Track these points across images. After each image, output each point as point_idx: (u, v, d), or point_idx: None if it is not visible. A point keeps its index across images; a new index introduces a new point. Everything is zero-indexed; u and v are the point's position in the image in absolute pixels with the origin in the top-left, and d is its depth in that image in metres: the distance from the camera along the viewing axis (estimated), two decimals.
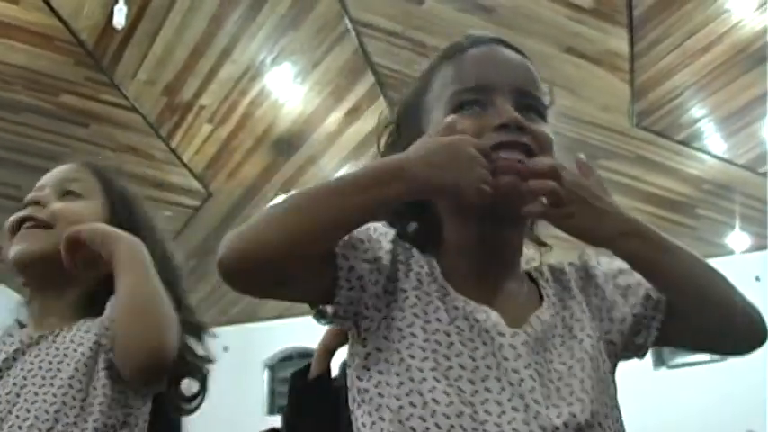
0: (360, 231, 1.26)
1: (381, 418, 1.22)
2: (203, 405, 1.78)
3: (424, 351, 1.22)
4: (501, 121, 1.28)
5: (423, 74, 1.45)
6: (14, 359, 1.65)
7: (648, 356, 1.44)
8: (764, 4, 6.95)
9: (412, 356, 1.22)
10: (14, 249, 1.74)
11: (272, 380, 12.27)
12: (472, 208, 1.26)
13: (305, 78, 7.87)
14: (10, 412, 1.54)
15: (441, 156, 1.21)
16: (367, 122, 8.43)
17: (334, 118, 8.34)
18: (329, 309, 1.24)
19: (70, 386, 1.56)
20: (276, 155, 8.75)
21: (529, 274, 1.41)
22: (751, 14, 7.06)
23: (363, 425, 1.24)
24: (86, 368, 1.59)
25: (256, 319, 11.87)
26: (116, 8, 6.33)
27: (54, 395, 1.55)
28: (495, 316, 1.26)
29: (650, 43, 7.40)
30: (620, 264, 1.37)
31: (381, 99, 8.14)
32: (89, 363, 1.60)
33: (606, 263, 1.41)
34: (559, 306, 1.35)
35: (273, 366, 12.19)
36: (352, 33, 7.40)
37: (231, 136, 8.54)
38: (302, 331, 10.20)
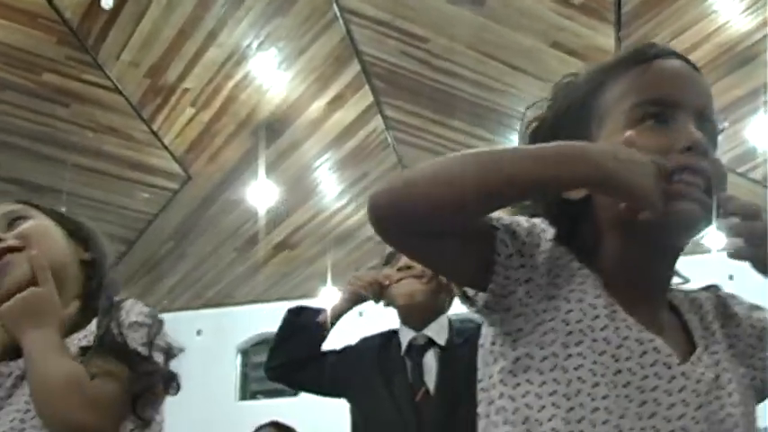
0: (521, 221, 1.20)
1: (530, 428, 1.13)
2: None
3: (594, 375, 1.13)
4: (687, 144, 1.19)
5: (594, 73, 1.33)
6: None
7: None
8: (752, 6, 6.97)
9: (582, 380, 1.13)
10: None
11: (245, 364, 12.24)
12: (644, 225, 1.17)
13: (290, 64, 7.82)
14: None
15: (629, 156, 1.13)
16: (350, 111, 8.41)
17: (318, 105, 8.29)
18: (480, 297, 1.19)
19: None
20: (258, 140, 8.69)
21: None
22: (737, 16, 7.09)
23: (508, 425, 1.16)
24: None
25: (231, 304, 11.81)
26: None
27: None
28: (665, 347, 1.17)
29: (637, 40, 7.39)
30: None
31: (366, 88, 8.12)
32: None
33: (738, 298, 1.33)
34: (703, 345, 1.25)
35: (246, 351, 12.16)
36: (340, 21, 7.36)
37: (213, 120, 8.48)
38: (276, 316, 10.20)
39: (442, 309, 3.00)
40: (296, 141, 8.79)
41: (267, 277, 11.06)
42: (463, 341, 2.93)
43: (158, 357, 1.70)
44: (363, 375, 3.03)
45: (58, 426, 1.58)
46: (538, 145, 1.19)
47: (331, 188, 9.64)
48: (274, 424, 5.19)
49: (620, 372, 1.14)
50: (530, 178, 1.12)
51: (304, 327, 3.12)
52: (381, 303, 3.09)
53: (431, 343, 2.97)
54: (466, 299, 1.21)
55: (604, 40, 7.36)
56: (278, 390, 11.96)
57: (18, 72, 7.71)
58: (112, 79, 7.85)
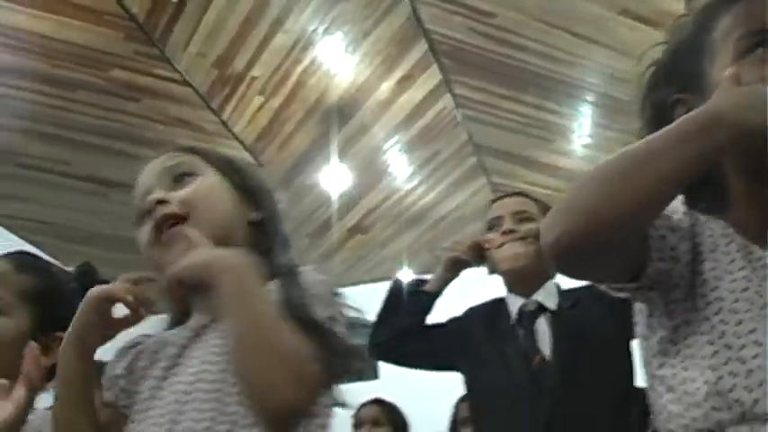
0: None
1: (689, 393, 1.14)
2: None
3: (736, 314, 1.14)
4: None
5: (704, 9, 1.38)
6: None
7: None
8: None
9: (725, 322, 1.14)
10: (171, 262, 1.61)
11: None
12: None
13: (357, 47, 7.78)
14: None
15: (755, 99, 1.11)
16: (419, 90, 8.36)
17: (386, 86, 8.25)
18: (630, 284, 1.17)
19: None
20: (327, 125, 8.68)
21: None
22: None
23: (670, 392, 1.17)
24: None
25: None
26: None
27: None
28: None
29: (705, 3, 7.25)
30: None
31: (434, 66, 8.05)
32: None
33: None
34: None
35: None
36: (406, 0, 7.30)
37: (282, 107, 8.47)
38: (352, 301, 10.19)
39: (549, 272, 2.95)
40: (365, 124, 8.76)
41: (341, 262, 11.06)
42: (572, 304, 2.90)
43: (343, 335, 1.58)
44: (474, 346, 3.01)
45: (261, 399, 1.36)
46: (661, 132, 1.19)
47: (402, 169, 9.60)
48: (377, 401, 5.18)
49: (766, 305, 1.13)
50: (678, 167, 1.13)
51: (409, 298, 3.09)
52: (485, 270, 3.05)
53: (541, 309, 2.93)
54: (615, 288, 1.21)
55: (675, 4, 7.21)
56: (357, 374, 11.99)
57: (87, 70, 7.76)
58: (181, 72, 7.87)
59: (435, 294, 3.15)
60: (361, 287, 11.42)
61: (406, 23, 7.56)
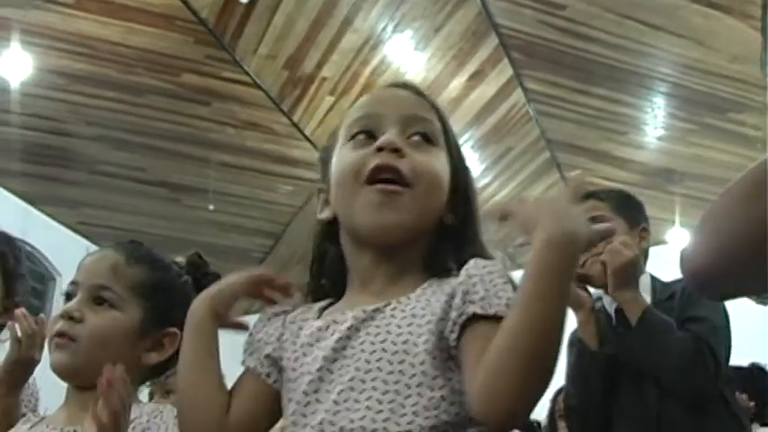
0: None
1: None
2: None
3: None
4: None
5: None
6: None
7: None
8: None
9: None
10: None
11: None
12: None
13: (427, 44, 7.71)
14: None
15: None
16: (490, 86, 8.25)
17: (457, 83, 8.15)
18: None
19: None
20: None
21: None
22: None
23: None
24: None
25: None
26: None
27: None
28: None
29: None
30: None
31: (505, 61, 7.94)
32: None
33: None
34: None
35: None
36: None
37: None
38: None
39: (641, 268, 2.87)
40: None
41: None
42: (669, 296, 2.83)
43: None
44: None
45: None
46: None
47: (474, 166, 9.50)
48: None
49: None
50: None
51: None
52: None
53: None
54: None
55: None
56: None
57: (158, 75, 7.80)
58: (251, 74, 7.86)
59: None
60: None
61: (477, 18, 7.47)
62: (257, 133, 8.69)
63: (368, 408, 1.32)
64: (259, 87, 8.03)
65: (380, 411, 1.31)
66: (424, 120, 1.58)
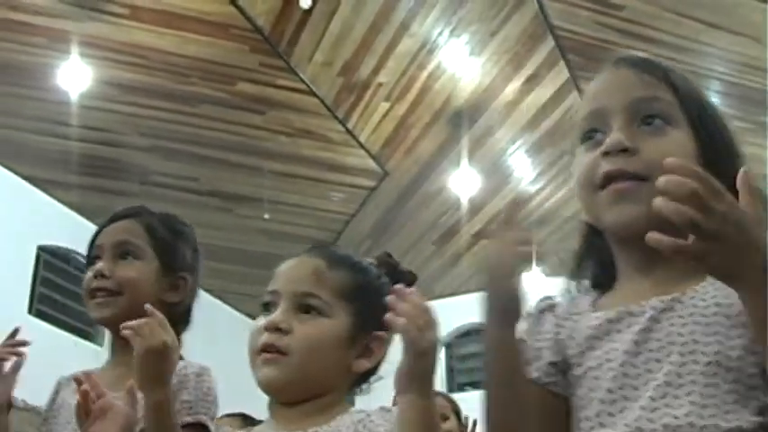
0: None
1: None
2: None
3: None
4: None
5: None
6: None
7: None
8: None
9: None
10: None
11: (450, 357, 12.07)
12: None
13: (483, 48, 7.65)
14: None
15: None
16: (546, 89, 8.18)
17: (513, 87, 8.09)
18: None
19: None
20: (453, 129, 8.56)
21: None
22: None
23: None
24: None
25: (431, 298, 11.68)
26: None
27: None
28: None
29: None
30: None
31: (561, 63, 7.87)
32: None
33: None
34: None
35: (450, 344, 11.99)
36: None
37: (408, 112, 8.38)
38: (478, 307, 10.02)
39: None
40: (491, 127, 8.62)
41: (466, 269, 10.90)
42: None
43: None
44: None
45: None
46: None
47: (528, 171, 9.43)
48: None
49: None
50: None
51: None
52: None
53: None
54: None
55: None
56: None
57: (213, 84, 7.77)
58: (306, 81, 7.82)
59: None
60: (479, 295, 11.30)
61: (533, 21, 7.41)
62: (311, 141, 8.65)
63: (691, 403, 1.25)
64: (314, 95, 7.99)
65: (705, 407, 1.24)
66: (651, 99, 1.44)
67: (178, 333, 2.01)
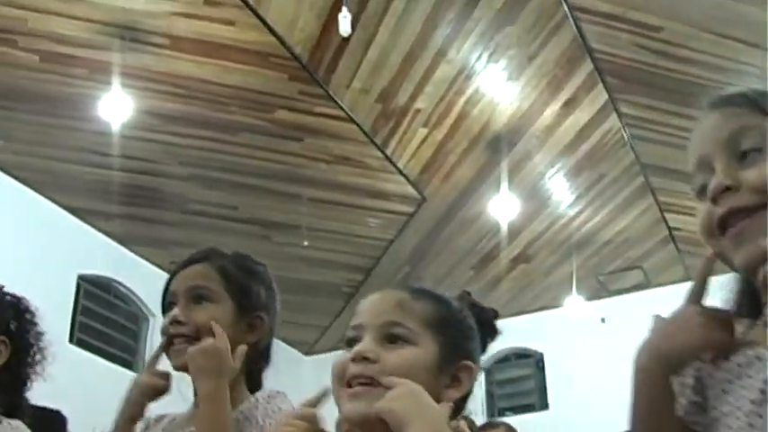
0: None
1: None
2: None
3: None
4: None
5: None
6: None
7: None
8: None
9: None
10: None
11: (490, 382, 12.01)
12: None
13: (521, 72, 7.64)
14: None
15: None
16: (584, 112, 8.15)
17: (551, 111, 8.07)
18: None
19: None
20: (491, 154, 8.55)
21: None
22: None
23: None
24: None
25: None
26: (340, 16, 6.21)
27: None
28: None
29: None
30: None
31: (600, 86, 7.84)
32: None
33: None
34: None
35: (490, 369, 11.94)
36: (571, 20, 7.11)
37: (446, 138, 8.38)
38: (516, 331, 10.03)
39: None
40: (529, 151, 8.60)
41: (504, 293, 10.87)
42: None
43: None
44: None
45: None
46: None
47: (567, 194, 9.39)
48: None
49: None
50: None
51: None
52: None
53: None
54: None
55: None
56: (525, 405, 11.78)
57: (252, 113, 7.82)
58: (344, 108, 7.85)
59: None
60: (526, 316, 11.32)
61: (572, 45, 7.39)
62: (350, 168, 8.68)
63: None
64: (353, 121, 8.02)
65: None
66: (740, 133, 1.43)
67: (259, 372, 2.16)
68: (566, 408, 10.90)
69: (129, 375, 8.98)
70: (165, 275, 7.81)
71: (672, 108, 8.07)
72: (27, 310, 2.23)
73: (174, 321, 2.05)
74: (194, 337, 2.02)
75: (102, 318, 9.53)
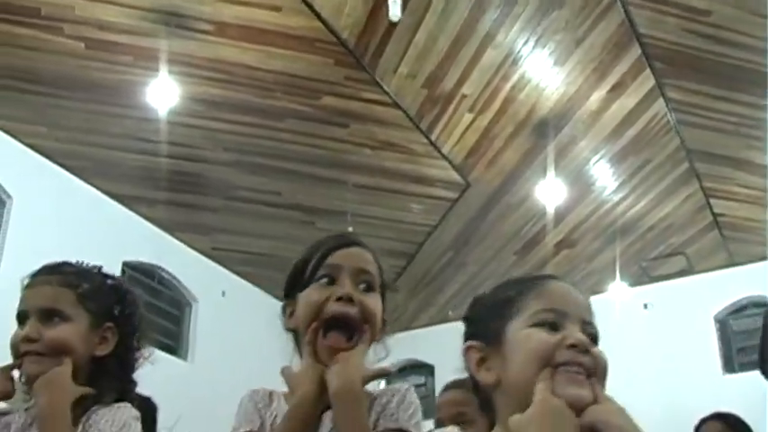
0: None
1: None
2: None
3: None
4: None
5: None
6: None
7: None
8: None
9: None
10: None
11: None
12: None
13: (568, 57, 7.57)
14: None
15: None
16: (631, 97, 8.08)
17: (598, 96, 8.00)
18: None
19: None
20: (536, 139, 8.49)
21: None
22: None
23: None
24: None
25: None
26: (390, 0, 6.18)
27: None
28: None
29: None
30: None
31: (648, 71, 7.76)
32: None
33: None
34: None
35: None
36: (619, 5, 7.04)
37: (492, 123, 8.33)
38: None
39: None
40: (575, 136, 8.53)
41: None
42: None
43: None
44: None
45: None
46: None
47: (611, 180, 9.32)
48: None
49: None
50: None
51: None
52: None
53: None
54: None
55: None
56: None
57: (297, 99, 7.81)
58: (390, 94, 7.82)
59: None
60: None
61: (619, 29, 7.31)
62: (395, 153, 8.66)
63: None
64: (398, 107, 7.99)
65: None
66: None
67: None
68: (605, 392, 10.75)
69: (172, 361, 9.05)
70: (208, 261, 7.96)
71: (719, 93, 8.00)
72: (128, 291, 2.18)
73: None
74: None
75: (146, 304, 9.54)
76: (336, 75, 7.56)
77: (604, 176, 9.26)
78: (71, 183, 8.80)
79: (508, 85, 7.83)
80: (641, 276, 11.11)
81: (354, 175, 8.91)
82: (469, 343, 1.67)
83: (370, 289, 1.91)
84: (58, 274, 2.10)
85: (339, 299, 1.83)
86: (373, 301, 1.92)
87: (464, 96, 7.94)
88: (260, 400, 1.87)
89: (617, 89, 7.96)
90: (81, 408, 1.93)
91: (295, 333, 1.92)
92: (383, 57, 7.41)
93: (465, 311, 1.74)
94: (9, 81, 7.48)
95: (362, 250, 1.98)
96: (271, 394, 1.89)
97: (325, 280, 1.87)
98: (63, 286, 2.06)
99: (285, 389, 1.84)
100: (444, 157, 8.74)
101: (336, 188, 9.05)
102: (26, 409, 2.01)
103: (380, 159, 8.70)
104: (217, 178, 8.87)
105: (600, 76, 7.80)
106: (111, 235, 8.90)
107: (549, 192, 8.88)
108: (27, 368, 1.98)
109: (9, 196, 8.34)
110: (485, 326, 1.66)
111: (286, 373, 1.83)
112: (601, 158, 8.93)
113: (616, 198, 9.61)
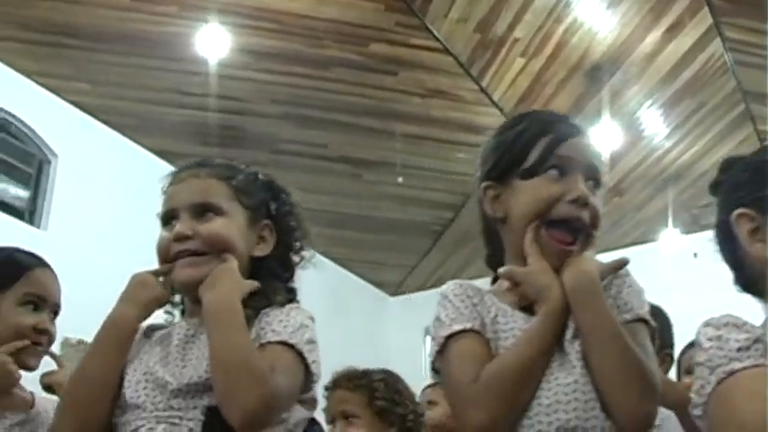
0: None
1: None
2: None
3: None
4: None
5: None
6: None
7: None
8: None
9: None
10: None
11: None
12: None
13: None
14: None
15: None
16: (687, 38, 7.85)
17: (653, 38, 7.79)
18: None
19: None
20: (589, 83, 8.31)
21: None
22: None
23: None
24: None
25: None
26: None
27: None
28: None
29: None
30: None
31: (705, 9, 7.55)
32: None
33: None
34: None
35: None
36: None
37: (544, 68, 8.15)
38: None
39: None
40: (628, 80, 8.34)
41: (603, 224, 10.65)
42: None
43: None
44: None
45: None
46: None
47: (663, 126, 9.13)
48: None
49: None
50: None
51: None
52: None
53: None
54: None
55: None
56: None
57: (347, 47, 7.69)
58: (441, 39, 7.67)
59: None
60: (613, 252, 11.05)
61: None
62: (444, 101, 8.51)
63: None
64: (449, 53, 7.84)
65: None
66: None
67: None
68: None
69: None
70: None
71: None
72: (282, 189, 2.04)
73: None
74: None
75: None
76: (387, 21, 7.42)
77: (657, 122, 9.07)
78: (114, 139, 8.74)
79: (561, 29, 7.65)
80: (692, 225, 10.93)
81: (402, 125, 8.77)
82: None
83: (597, 186, 1.81)
84: (207, 166, 1.95)
85: (574, 200, 1.73)
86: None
87: (516, 41, 7.77)
88: (474, 295, 1.75)
89: (673, 30, 7.74)
90: (251, 309, 1.79)
91: (488, 220, 1.86)
92: (434, 1, 7.25)
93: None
94: (49, 36, 7.40)
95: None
96: (479, 290, 1.78)
97: (555, 172, 1.75)
98: (215, 178, 1.91)
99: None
100: (495, 104, 8.58)
101: (384, 139, 8.93)
102: (185, 320, 1.87)
103: (429, 108, 8.56)
104: (263, 132, 8.78)
105: (655, 16, 7.57)
106: (157, 192, 8.81)
107: (604, 137, 8.70)
108: (179, 273, 1.84)
109: (55, 155, 8.29)
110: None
111: (512, 271, 1.76)
112: (653, 103, 8.73)
113: (668, 144, 9.42)
